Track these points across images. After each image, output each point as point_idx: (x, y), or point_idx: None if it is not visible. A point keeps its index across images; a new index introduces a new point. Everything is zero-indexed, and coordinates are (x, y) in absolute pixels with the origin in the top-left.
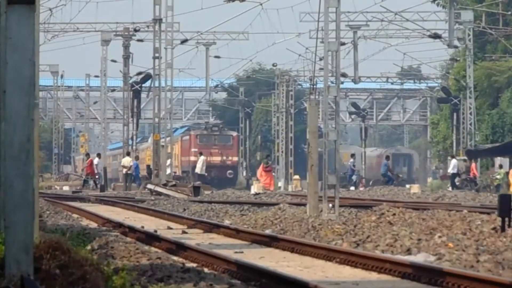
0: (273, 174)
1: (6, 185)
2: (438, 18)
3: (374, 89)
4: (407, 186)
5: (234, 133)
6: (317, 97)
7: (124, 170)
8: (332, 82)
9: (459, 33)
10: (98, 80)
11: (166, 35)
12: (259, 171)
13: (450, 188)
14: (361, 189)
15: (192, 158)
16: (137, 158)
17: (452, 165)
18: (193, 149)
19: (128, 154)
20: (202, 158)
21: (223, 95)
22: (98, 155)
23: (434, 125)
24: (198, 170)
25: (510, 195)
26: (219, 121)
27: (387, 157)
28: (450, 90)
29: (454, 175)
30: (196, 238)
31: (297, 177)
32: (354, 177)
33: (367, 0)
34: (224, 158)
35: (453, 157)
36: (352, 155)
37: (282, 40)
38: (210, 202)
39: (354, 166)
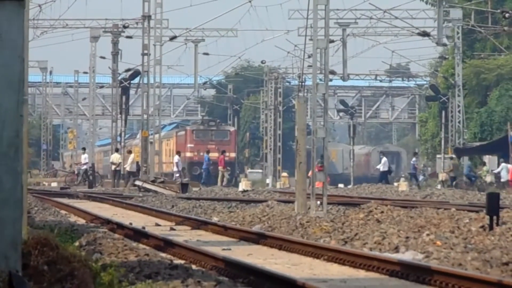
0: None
1: None
2: (427, 16)
3: (363, 86)
4: (395, 184)
5: (232, 128)
6: (305, 94)
7: (113, 167)
8: (320, 80)
9: (448, 31)
10: (87, 76)
11: (155, 31)
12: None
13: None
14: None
15: (188, 154)
16: (129, 152)
17: (383, 162)
18: (189, 145)
19: (117, 150)
20: (132, 156)
21: (212, 92)
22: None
23: (423, 123)
24: (128, 167)
25: (498, 193)
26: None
27: (415, 154)
28: (438, 88)
29: (384, 172)
30: (184, 235)
31: (285, 174)
32: (420, 177)
33: None
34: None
35: (383, 154)
36: (415, 154)
37: (271, 37)
38: (198, 199)
39: (417, 164)
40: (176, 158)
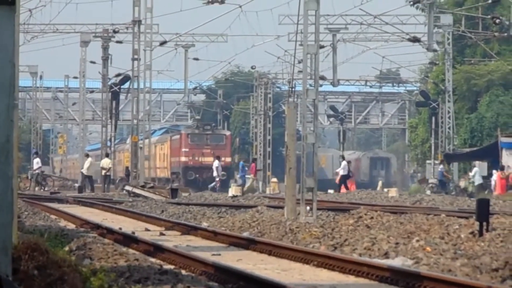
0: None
1: None
2: (417, 21)
3: (353, 92)
4: (385, 189)
5: (228, 132)
6: (295, 100)
7: (103, 172)
8: (310, 85)
9: (439, 37)
10: (77, 81)
11: (145, 36)
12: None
13: (344, 190)
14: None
15: (183, 159)
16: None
17: (342, 166)
18: (184, 149)
19: (107, 155)
20: (89, 159)
21: (202, 97)
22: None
23: (413, 128)
24: (84, 171)
25: (488, 199)
26: (193, 124)
27: (443, 161)
28: (429, 94)
29: (344, 177)
30: (173, 240)
31: (275, 179)
32: (451, 185)
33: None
34: None
35: (343, 158)
36: (442, 161)
37: (261, 43)
38: (187, 204)
39: (446, 172)
40: (216, 163)
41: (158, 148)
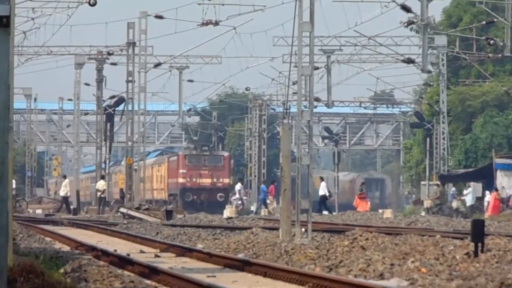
0: (367, 200)
1: None
2: (411, 43)
3: (347, 113)
4: (380, 211)
5: (226, 153)
6: (290, 121)
7: (98, 194)
8: (305, 107)
9: (433, 58)
10: (71, 103)
11: (140, 58)
12: (356, 199)
13: (326, 212)
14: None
15: (181, 180)
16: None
17: (322, 187)
18: (181, 170)
19: (102, 177)
20: (66, 181)
21: (196, 119)
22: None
23: (407, 150)
24: (62, 192)
25: (483, 220)
26: (191, 145)
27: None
28: (423, 115)
29: (323, 197)
30: (169, 262)
31: (269, 201)
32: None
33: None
34: (215, 180)
35: (322, 179)
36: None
37: (256, 64)
38: (182, 226)
39: (456, 194)
40: (239, 185)
41: (155, 169)
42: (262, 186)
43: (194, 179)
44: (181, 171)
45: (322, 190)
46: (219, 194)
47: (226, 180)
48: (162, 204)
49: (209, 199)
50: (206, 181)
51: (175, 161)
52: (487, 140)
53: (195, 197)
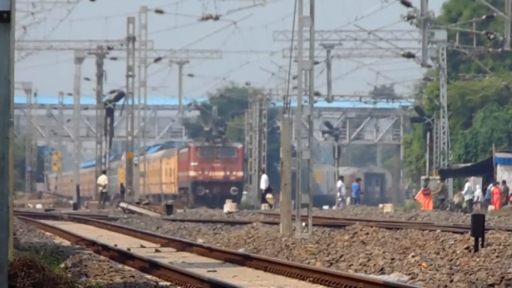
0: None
1: None
2: (411, 37)
3: (347, 108)
4: (380, 205)
5: (239, 145)
6: (290, 116)
7: (100, 189)
8: (305, 101)
9: (433, 53)
10: (72, 98)
11: (140, 53)
12: (419, 194)
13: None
14: None
15: (192, 173)
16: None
17: (263, 181)
18: (192, 163)
19: (104, 172)
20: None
21: (196, 113)
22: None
23: (407, 144)
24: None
25: (483, 215)
26: (191, 139)
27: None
28: (423, 110)
29: (265, 190)
30: (169, 257)
31: (270, 196)
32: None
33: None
34: (228, 173)
35: (264, 171)
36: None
37: (256, 59)
38: (183, 221)
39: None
40: (339, 183)
41: (164, 162)
42: (354, 184)
43: (206, 172)
44: (192, 163)
45: (264, 183)
46: (232, 188)
47: (240, 173)
48: (172, 199)
49: (221, 193)
50: (219, 174)
51: (186, 153)
52: (487, 134)
53: (207, 191)
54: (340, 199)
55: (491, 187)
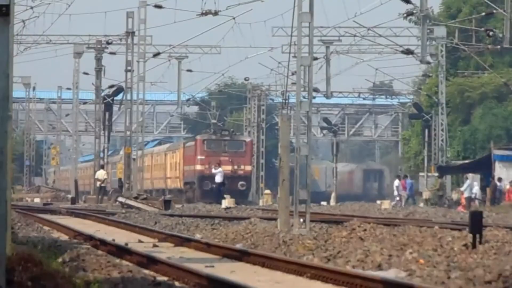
0: None
1: None
2: (410, 34)
3: (346, 104)
4: (378, 202)
5: (248, 138)
6: (289, 112)
7: (98, 183)
8: (304, 97)
9: (432, 49)
10: (70, 92)
11: (139, 48)
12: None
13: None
14: None
15: (198, 167)
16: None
17: (217, 171)
18: (199, 157)
19: (102, 167)
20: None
21: (195, 109)
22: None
23: (406, 141)
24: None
25: (481, 212)
26: (190, 135)
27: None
28: (422, 106)
29: (219, 184)
30: (167, 252)
31: (268, 191)
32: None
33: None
34: (236, 167)
35: (219, 165)
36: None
37: (255, 55)
38: (181, 216)
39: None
40: (397, 182)
41: (168, 156)
42: (408, 180)
43: (212, 166)
44: (199, 157)
45: (219, 177)
46: (240, 183)
47: (248, 168)
48: (177, 194)
49: (229, 188)
50: (226, 168)
51: (192, 146)
52: (486, 131)
53: (213, 185)
54: (398, 198)
55: (500, 186)
